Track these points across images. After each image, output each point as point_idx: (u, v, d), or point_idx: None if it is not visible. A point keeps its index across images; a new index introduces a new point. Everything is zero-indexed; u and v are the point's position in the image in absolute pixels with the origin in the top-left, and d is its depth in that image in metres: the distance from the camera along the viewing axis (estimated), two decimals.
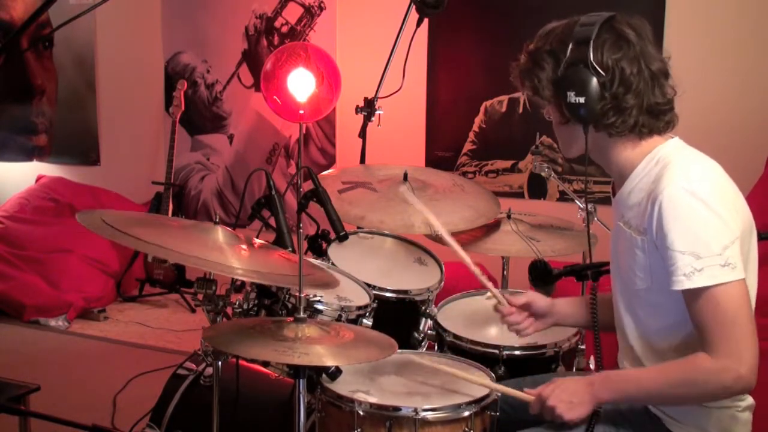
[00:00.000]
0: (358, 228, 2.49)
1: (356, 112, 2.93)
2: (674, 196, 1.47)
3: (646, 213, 1.54)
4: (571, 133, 1.64)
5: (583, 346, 2.21)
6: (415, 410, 1.66)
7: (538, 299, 1.93)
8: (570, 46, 1.56)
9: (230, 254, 1.66)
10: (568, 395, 1.58)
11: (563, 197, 4.16)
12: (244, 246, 1.76)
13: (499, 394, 1.76)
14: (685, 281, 1.45)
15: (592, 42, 1.54)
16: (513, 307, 1.92)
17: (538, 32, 1.65)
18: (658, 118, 1.59)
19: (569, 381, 1.62)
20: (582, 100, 1.54)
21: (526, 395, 1.67)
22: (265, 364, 2.09)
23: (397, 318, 2.23)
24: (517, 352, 2.07)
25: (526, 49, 1.66)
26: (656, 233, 1.50)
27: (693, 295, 1.47)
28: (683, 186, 1.48)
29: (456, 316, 2.28)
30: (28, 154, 5.83)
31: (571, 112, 1.57)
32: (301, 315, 1.63)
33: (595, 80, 1.54)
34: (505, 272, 2.73)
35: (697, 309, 1.47)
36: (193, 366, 2.16)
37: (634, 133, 1.60)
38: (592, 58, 1.53)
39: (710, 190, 1.48)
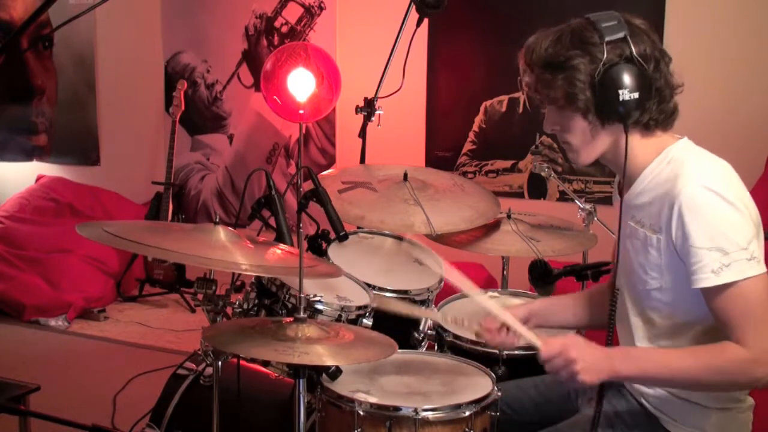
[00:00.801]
0: (358, 228, 2.49)
1: (356, 112, 2.93)
2: (694, 195, 1.47)
3: (662, 212, 1.53)
4: (601, 136, 1.60)
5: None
6: (416, 410, 1.66)
7: (513, 313, 1.85)
8: (604, 44, 1.52)
9: (234, 251, 1.66)
10: (588, 358, 1.52)
11: (563, 197, 4.16)
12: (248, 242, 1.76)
13: (500, 393, 1.75)
14: (713, 278, 1.45)
15: (628, 37, 1.52)
16: (492, 331, 1.86)
17: (532, 45, 1.59)
18: (673, 102, 1.60)
19: (587, 343, 1.56)
20: (636, 95, 1.51)
21: (539, 341, 1.60)
22: (265, 363, 2.08)
23: (397, 318, 2.23)
24: (517, 352, 2.07)
25: (542, 61, 1.58)
26: (675, 232, 1.50)
27: (719, 291, 1.46)
28: (702, 183, 1.47)
29: (456, 316, 2.27)
30: (28, 154, 5.83)
31: (616, 111, 1.53)
32: (301, 315, 1.63)
33: (643, 74, 1.52)
34: (505, 272, 2.73)
35: (723, 304, 1.46)
36: (193, 366, 2.16)
37: (669, 123, 1.60)
38: (636, 52, 1.51)
39: (728, 186, 1.48)
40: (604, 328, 1.72)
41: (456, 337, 2.13)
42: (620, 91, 1.51)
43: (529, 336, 1.66)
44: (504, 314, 1.78)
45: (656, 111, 1.56)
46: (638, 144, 1.60)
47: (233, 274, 1.98)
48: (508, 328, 1.85)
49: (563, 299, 1.94)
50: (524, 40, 1.64)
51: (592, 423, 1.61)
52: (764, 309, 1.45)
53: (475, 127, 4.41)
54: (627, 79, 1.51)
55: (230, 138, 5.21)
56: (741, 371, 1.46)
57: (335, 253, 2.32)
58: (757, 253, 1.45)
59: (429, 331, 2.25)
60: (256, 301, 2.06)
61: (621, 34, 1.52)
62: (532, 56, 1.59)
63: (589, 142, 1.61)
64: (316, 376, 1.76)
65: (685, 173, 1.51)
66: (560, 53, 1.55)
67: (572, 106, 1.57)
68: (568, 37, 1.56)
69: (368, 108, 2.91)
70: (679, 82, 1.61)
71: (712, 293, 1.48)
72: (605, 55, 1.52)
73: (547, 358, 1.57)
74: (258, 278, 2.08)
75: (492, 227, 2.52)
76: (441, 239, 2.43)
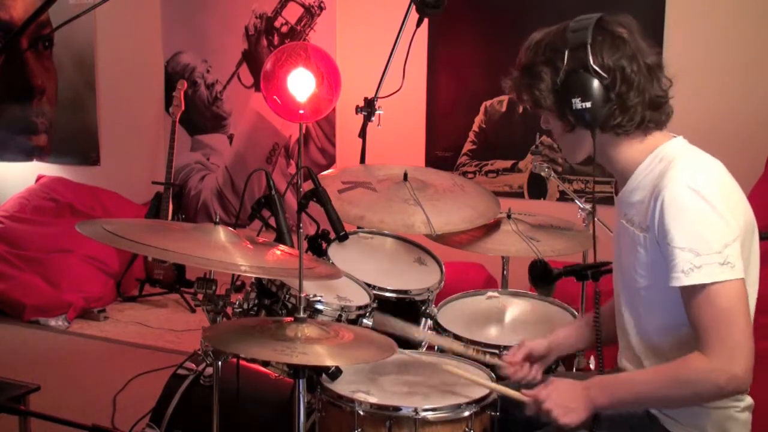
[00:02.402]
0: (358, 228, 2.49)
1: (356, 112, 2.93)
2: (677, 193, 1.48)
3: (649, 210, 1.54)
4: (577, 139, 1.63)
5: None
6: (416, 410, 1.66)
7: (535, 346, 1.88)
8: (566, 53, 1.56)
9: (234, 252, 1.66)
10: (564, 399, 1.58)
11: (563, 197, 4.16)
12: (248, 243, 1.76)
13: (499, 393, 1.76)
14: (683, 278, 1.46)
15: (589, 46, 1.54)
16: (515, 365, 1.88)
17: (523, 46, 1.65)
18: (659, 111, 1.60)
19: (565, 384, 1.61)
20: (588, 104, 1.54)
21: (523, 396, 1.67)
22: (265, 364, 2.09)
23: (397, 318, 2.23)
24: None
25: (519, 64, 1.65)
26: (658, 229, 1.51)
27: (690, 293, 1.47)
28: (686, 183, 1.48)
29: (456, 316, 2.27)
30: (28, 154, 5.83)
31: (577, 118, 1.57)
32: (301, 315, 1.63)
33: (598, 83, 1.54)
34: (505, 272, 2.73)
35: (693, 306, 1.47)
36: (193, 366, 2.16)
37: (640, 130, 1.60)
38: (592, 62, 1.54)
39: (713, 188, 1.48)
40: (614, 343, 1.75)
41: (456, 337, 2.13)
42: (573, 100, 1.55)
43: (516, 394, 1.69)
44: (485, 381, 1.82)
45: (622, 118, 1.57)
46: (629, 143, 1.62)
47: (233, 274, 1.98)
48: (531, 362, 1.87)
49: (576, 326, 1.94)
50: (524, 40, 1.67)
51: (592, 422, 1.61)
52: (731, 315, 1.44)
53: (475, 127, 4.41)
54: (580, 88, 1.54)
55: (230, 138, 5.21)
56: (704, 381, 1.46)
57: (335, 253, 2.32)
58: (734, 258, 1.45)
59: (429, 331, 2.25)
60: (256, 301, 2.06)
61: (583, 43, 1.55)
62: (520, 58, 1.66)
63: (568, 142, 1.67)
64: (316, 376, 1.76)
65: (672, 171, 1.52)
66: (532, 59, 1.61)
67: (541, 109, 1.63)
68: (546, 42, 1.60)
69: (368, 108, 2.91)
70: (662, 91, 1.60)
71: (684, 294, 1.49)
72: (565, 64, 1.56)
73: (532, 414, 1.63)
74: (258, 278, 2.08)
75: (492, 227, 2.52)
76: (441, 239, 2.43)
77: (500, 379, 1.86)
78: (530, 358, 1.89)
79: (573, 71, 1.55)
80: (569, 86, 1.55)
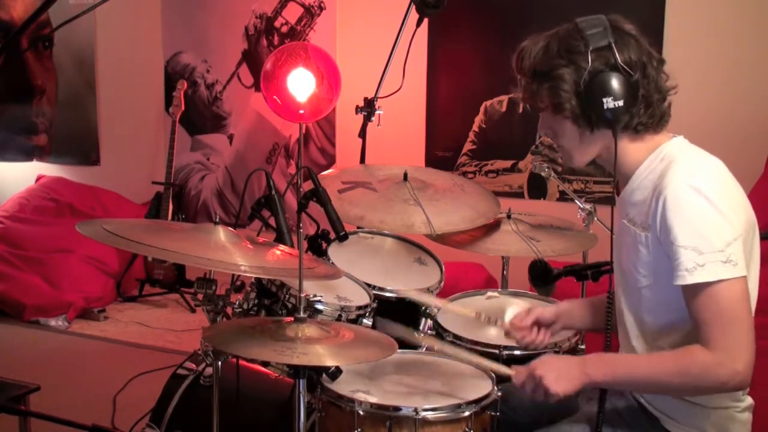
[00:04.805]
0: (358, 228, 2.49)
1: (356, 112, 2.93)
2: (678, 192, 1.48)
3: (650, 209, 1.54)
4: (592, 140, 1.61)
5: (583, 346, 2.21)
6: (416, 410, 1.66)
7: (543, 313, 1.92)
8: (589, 53, 1.53)
9: (234, 252, 1.66)
10: (557, 368, 1.57)
11: (563, 197, 4.16)
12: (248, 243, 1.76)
13: (500, 393, 1.76)
14: (687, 276, 1.46)
15: (613, 44, 1.53)
16: (524, 330, 1.93)
17: (523, 52, 1.62)
18: (665, 105, 1.61)
19: (560, 356, 1.65)
20: (620, 103, 1.52)
21: (510, 370, 1.67)
22: (265, 364, 2.09)
23: (397, 318, 2.23)
24: (517, 352, 2.06)
25: (528, 70, 1.62)
26: (660, 229, 1.51)
27: (693, 291, 1.47)
28: (687, 182, 1.48)
29: (456, 316, 2.27)
30: (28, 154, 5.84)
31: (602, 118, 1.55)
32: (302, 315, 1.63)
33: (627, 82, 1.53)
34: (505, 272, 2.73)
35: (696, 304, 1.47)
36: (193, 366, 2.16)
37: (659, 126, 1.60)
38: (620, 60, 1.53)
39: (714, 187, 1.49)
40: (601, 331, 1.74)
41: (456, 337, 2.13)
42: (604, 99, 1.53)
43: (501, 367, 1.72)
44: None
45: (645, 116, 1.58)
46: (632, 143, 1.61)
47: (233, 274, 1.98)
48: (539, 327, 1.91)
49: (584, 303, 1.96)
50: (524, 40, 1.65)
51: (597, 423, 1.61)
52: (734, 313, 1.45)
53: (475, 127, 4.41)
54: (611, 87, 1.52)
55: (230, 138, 5.21)
56: (705, 374, 1.46)
57: (335, 253, 2.32)
58: (736, 256, 1.45)
59: (429, 332, 2.25)
60: (256, 301, 2.06)
61: (606, 42, 1.53)
62: (521, 64, 1.63)
63: (581, 145, 1.64)
64: (316, 376, 1.76)
65: (673, 170, 1.52)
66: (546, 63, 1.58)
67: (561, 114, 1.60)
68: (556, 45, 1.57)
69: (368, 108, 2.91)
70: (672, 84, 1.61)
71: (687, 292, 1.49)
72: (590, 64, 1.53)
73: (520, 385, 1.63)
74: (258, 278, 2.08)
75: (492, 227, 2.52)
76: (441, 239, 2.43)
77: (497, 382, 1.86)
78: (538, 324, 1.92)
79: (599, 71, 1.53)
80: (597, 86, 1.53)
